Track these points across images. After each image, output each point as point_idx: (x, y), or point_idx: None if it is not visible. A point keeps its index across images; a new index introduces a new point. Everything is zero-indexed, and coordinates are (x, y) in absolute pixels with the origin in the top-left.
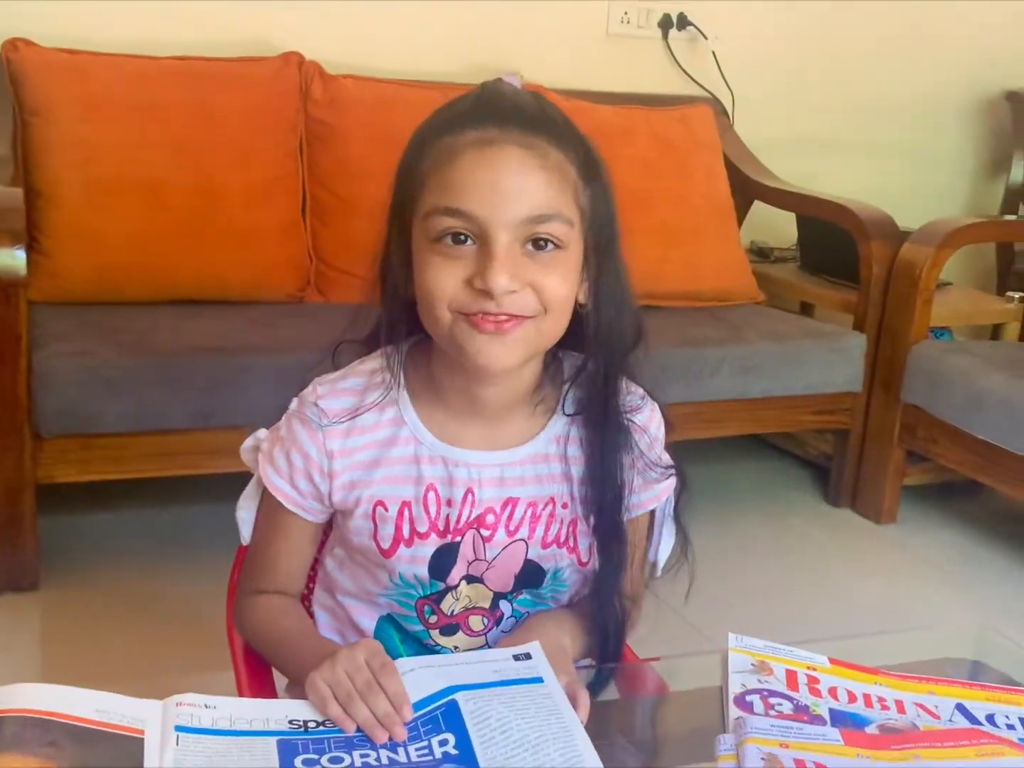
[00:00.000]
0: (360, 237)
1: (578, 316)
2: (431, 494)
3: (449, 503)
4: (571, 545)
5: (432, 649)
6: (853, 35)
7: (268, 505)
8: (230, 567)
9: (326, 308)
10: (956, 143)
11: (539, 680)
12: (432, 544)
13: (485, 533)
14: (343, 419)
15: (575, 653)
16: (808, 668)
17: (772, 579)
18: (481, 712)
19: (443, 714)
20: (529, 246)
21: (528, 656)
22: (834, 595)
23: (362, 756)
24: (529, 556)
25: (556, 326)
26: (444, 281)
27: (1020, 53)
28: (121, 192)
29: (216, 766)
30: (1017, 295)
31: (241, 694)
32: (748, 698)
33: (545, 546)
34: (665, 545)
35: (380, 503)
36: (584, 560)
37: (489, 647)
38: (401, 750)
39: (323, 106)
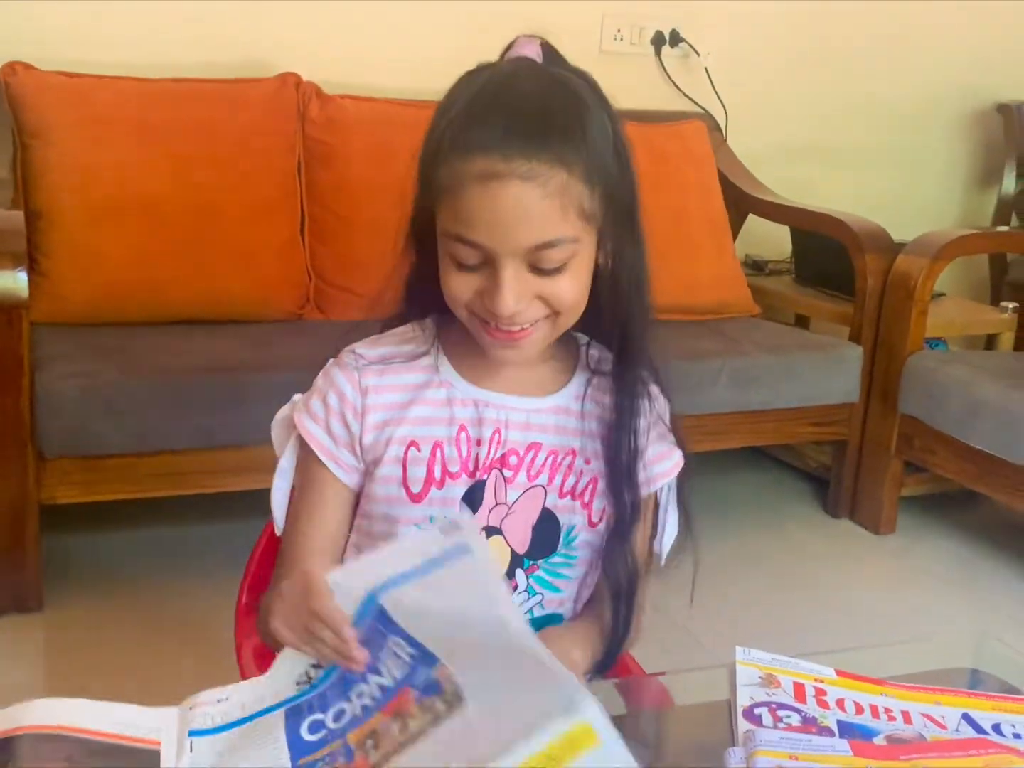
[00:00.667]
0: (359, 255)
1: (596, 275)
2: (463, 434)
3: (478, 443)
4: (585, 501)
5: None
6: (844, 49)
7: (301, 477)
8: (236, 585)
9: (325, 325)
10: (948, 154)
11: (467, 550)
12: (463, 484)
13: (507, 474)
14: (379, 362)
15: (585, 666)
16: (815, 680)
17: (771, 590)
18: (408, 609)
19: (379, 620)
20: (535, 264)
21: (457, 526)
22: (834, 605)
23: (358, 697)
24: (547, 504)
25: (571, 319)
26: (459, 289)
27: (1010, 65)
28: (120, 213)
29: (226, 765)
30: (1011, 305)
31: None
32: (757, 711)
33: (562, 495)
34: (668, 535)
35: (413, 443)
36: (595, 520)
37: None
38: (384, 669)
39: (321, 126)
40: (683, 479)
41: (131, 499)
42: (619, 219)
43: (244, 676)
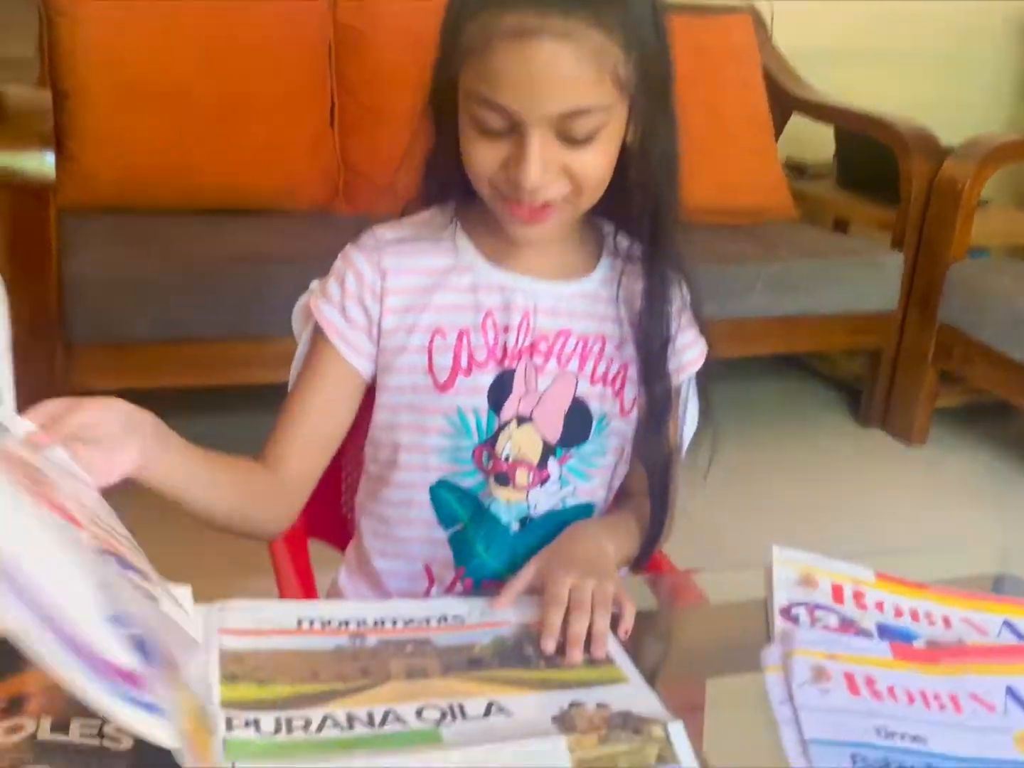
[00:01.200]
0: (391, 147)
1: (623, 154)
2: (489, 321)
3: (506, 329)
4: (616, 388)
5: (487, 509)
6: None
7: (310, 358)
8: None
9: (355, 218)
10: (1000, 59)
11: None
12: (491, 372)
13: (537, 362)
14: (399, 243)
15: (618, 559)
16: (854, 582)
17: (799, 499)
18: None
19: None
20: (565, 133)
21: None
22: (862, 515)
23: None
24: (578, 392)
25: (593, 198)
26: (483, 162)
27: None
28: (149, 96)
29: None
30: None
31: (283, 597)
32: (794, 611)
33: (593, 381)
34: (689, 426)
35: (438, 331)
36: (627, 408)
37: (529, 506)
38: None
39: (352, 12)
40: (704, 368)
41: (160, 391)
42: (653, 93)
43: (277, 568)
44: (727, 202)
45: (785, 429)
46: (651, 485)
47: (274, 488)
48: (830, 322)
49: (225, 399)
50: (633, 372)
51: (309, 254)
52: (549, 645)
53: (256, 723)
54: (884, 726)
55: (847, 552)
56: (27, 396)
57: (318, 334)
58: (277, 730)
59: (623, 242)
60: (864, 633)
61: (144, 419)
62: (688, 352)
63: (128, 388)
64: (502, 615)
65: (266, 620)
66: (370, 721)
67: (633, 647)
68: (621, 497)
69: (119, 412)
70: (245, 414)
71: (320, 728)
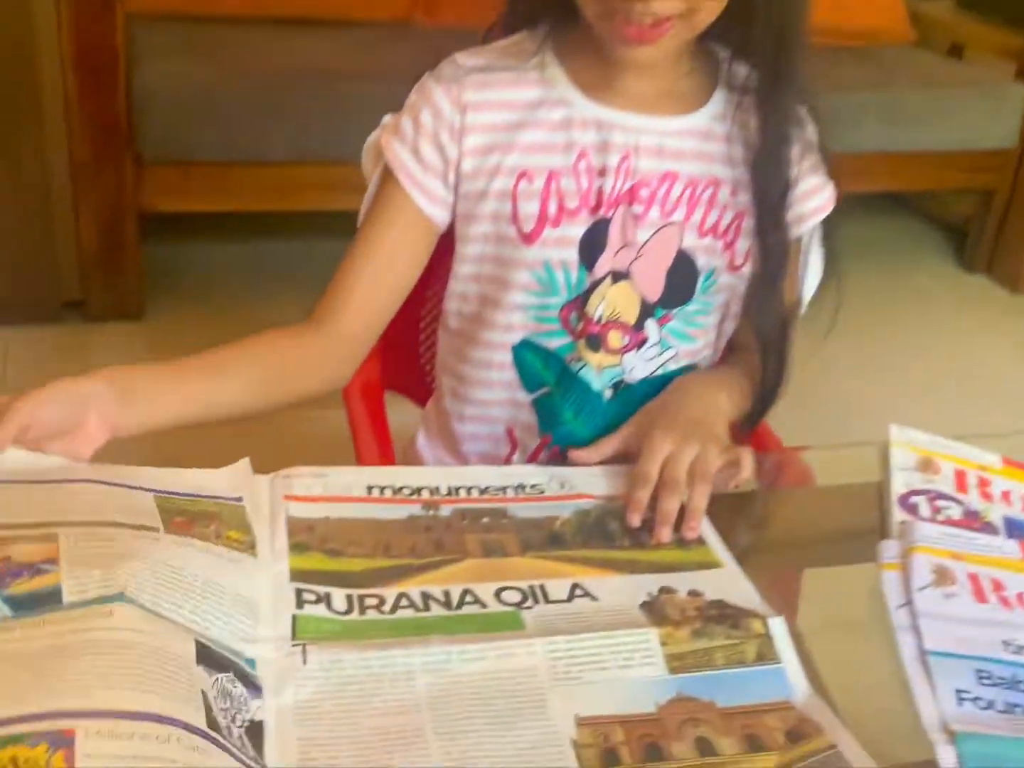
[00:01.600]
0: None
1: None
2: (583, 162)
3: (602, 172)
4: (728, 240)
5: (575, 374)
6: None
7: (377, 200)
8: None
9: (435, 32)
10: None
11: None
12: (583, 223)
13: (637, 210)
14: (482, 72)
15: (730, 413)
16: (979, 468)
17: (895, 346)
18: None
19: None
20: None
21: None
22: (959, 366)
23: None
24: (683, 245)
25: (711, 16)
26: None
27: None
28: None
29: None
30: None
31: (358, 453)
32: (912, 499)
33: (703, 234)
34: (811, 279)
35: (524, 174)
36: (738, 263)
37: (624, 371)
38: None
39: None
40: (831, 216)
41: (230, 212)
42: None
43: (352, 419)
44: (838, 21)
45: (884, 269)
46: (763, 346)
47: (316, 354)
48: (943, 158)
49: (293, 223)
50: (748, 222)
51: (385, 71)
52: (635, 519)
53: (328, 598)
54: (1014, 639)
55: (938, 409)
56: (100, 214)
57: (388, 175)
58: (349, 609)
59: (740, 70)
60: (989, 528)
61: (94, 389)
62: (811, 200)
63: (194, 210)
64: (583, 486)
65: (334, 487)
66: (447, 602)
67: (729, 530)
68: (728, 353)
69: (59, 399)
70: (312, 239)
71: (394, 609)
